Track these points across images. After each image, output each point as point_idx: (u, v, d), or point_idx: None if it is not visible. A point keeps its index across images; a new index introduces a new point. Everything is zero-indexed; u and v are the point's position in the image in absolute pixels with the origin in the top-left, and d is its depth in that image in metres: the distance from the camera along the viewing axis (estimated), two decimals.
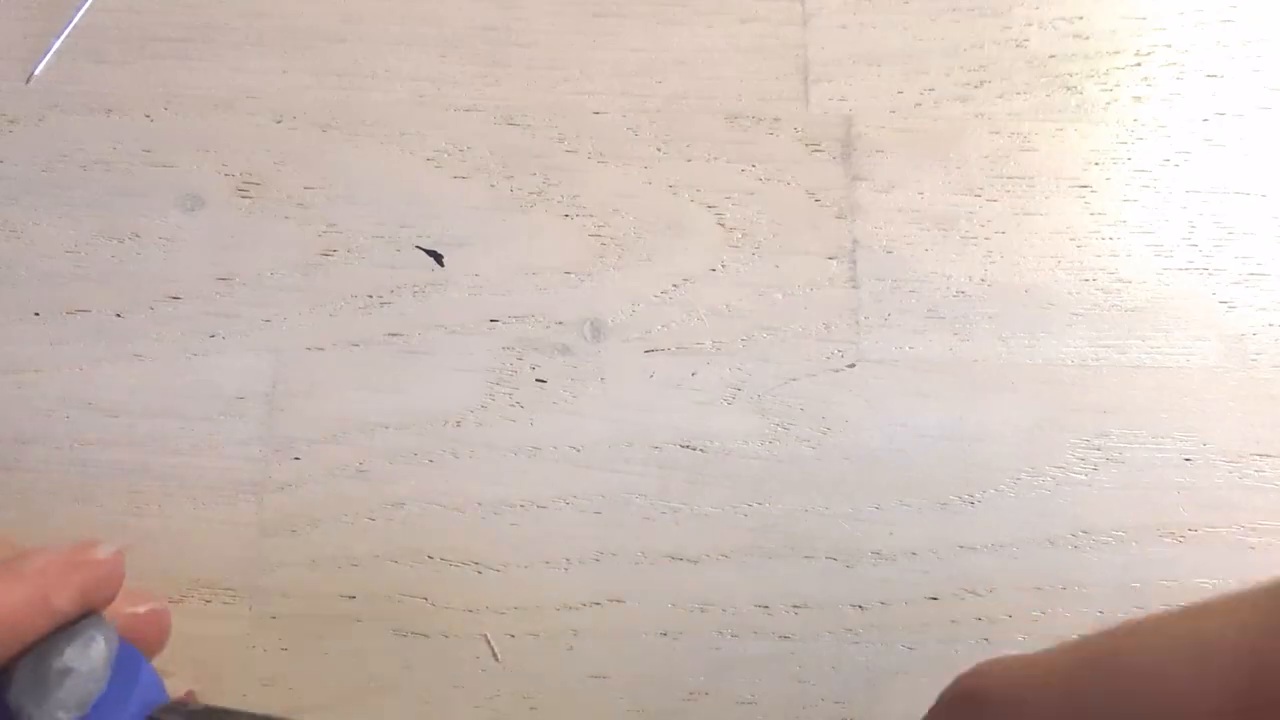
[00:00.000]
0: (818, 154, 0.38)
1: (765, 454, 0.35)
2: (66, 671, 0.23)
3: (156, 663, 0.26)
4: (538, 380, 0.35)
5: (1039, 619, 0.34)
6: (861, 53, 0.39)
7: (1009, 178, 0.38)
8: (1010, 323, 0.36)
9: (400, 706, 0.32)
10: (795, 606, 0.34)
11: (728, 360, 0.36)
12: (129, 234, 0.36)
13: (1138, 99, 0.39)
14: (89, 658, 0.24)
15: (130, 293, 0.35)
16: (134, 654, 0.25)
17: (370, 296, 0.36)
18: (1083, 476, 0.35)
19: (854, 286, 0.37)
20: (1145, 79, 0.39)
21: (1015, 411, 0.35)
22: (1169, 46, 0.40)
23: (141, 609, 0.27)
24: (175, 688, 0.28)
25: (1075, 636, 0.33)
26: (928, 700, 0.33)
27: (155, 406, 0.34)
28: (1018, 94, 0.39)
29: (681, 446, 0.35)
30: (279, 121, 0.37)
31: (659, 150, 0.38)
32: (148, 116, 0.37)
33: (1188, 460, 0.36)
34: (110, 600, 0.26)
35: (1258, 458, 0.36)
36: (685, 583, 0.34)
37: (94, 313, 0.35)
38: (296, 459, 0.34)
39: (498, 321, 0.36)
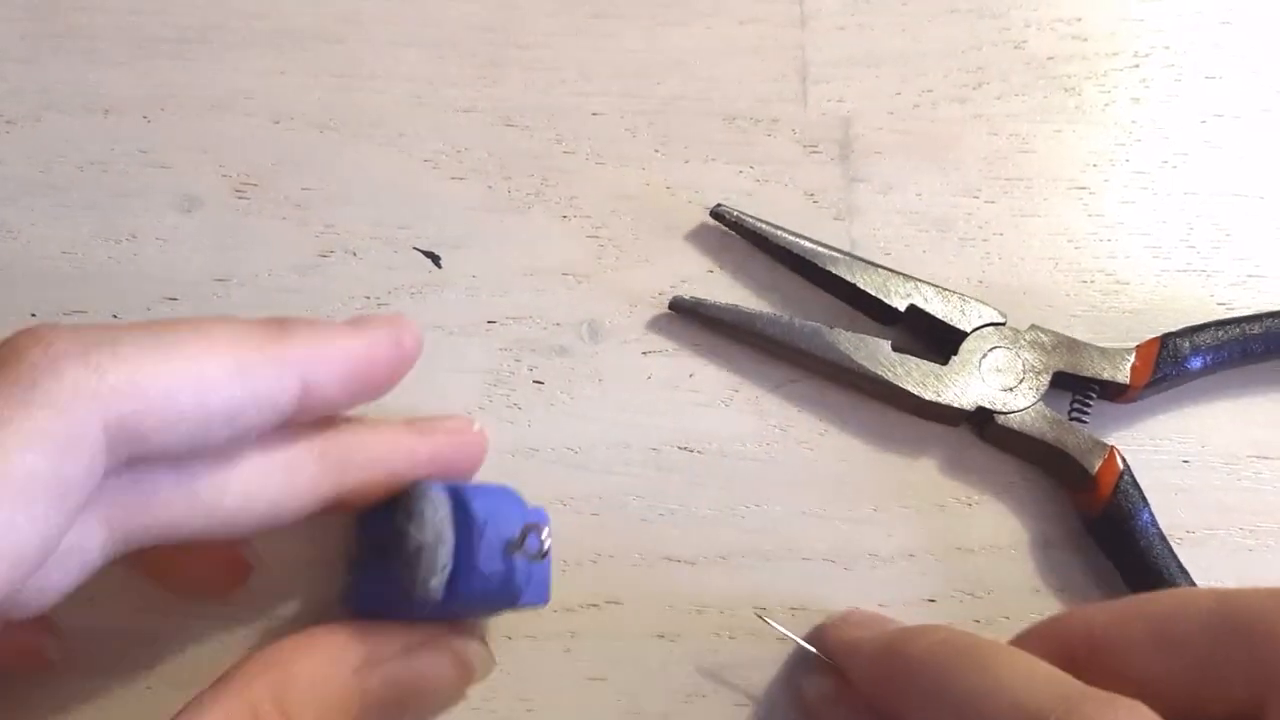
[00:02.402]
0: (816, 155, 0.38)
1: (763, 455, 0.35)
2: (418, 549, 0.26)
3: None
4: (535, 381, 0.35)
5: (1038, 621, 0.34)
6: (859, 54, 0.39)
7: (1007, 179, 0.38)
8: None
9: None
10: (793, 608, 0.34)
11: (725, 362, 0.36)
12: (126, 235, 0.36)
13: (1136, 101, 0.39)
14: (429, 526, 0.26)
15: (127, 293, 0.35)
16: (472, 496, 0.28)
17: (368, 297, 0.36)
18: None
19: None
20: (1143, 81, 0.39)
21: None
22: (1167, 48, 0.40)
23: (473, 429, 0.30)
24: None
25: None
26: None
27: None
28: (1016, 95, 0.39)
29: (679, 448, 0.35)
30: (276, 122, 0.37)
31: (657, 151, 0.38)
32: (145, 117, 0.37)
33: (1185, 462, 0.36)
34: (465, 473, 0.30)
35: (1255, 460, 0.36)
36: (683, 585, 0.34)
37: (91, 313, 0.35)
38: None
39: (495, 323, 0.36)
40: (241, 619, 0.33)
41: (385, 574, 0.27)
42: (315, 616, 0.33)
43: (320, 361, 0.26)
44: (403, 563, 0.26)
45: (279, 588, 0.33)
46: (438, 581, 0.26)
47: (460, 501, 0.27)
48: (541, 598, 0.29)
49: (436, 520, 0.26)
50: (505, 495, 0.28)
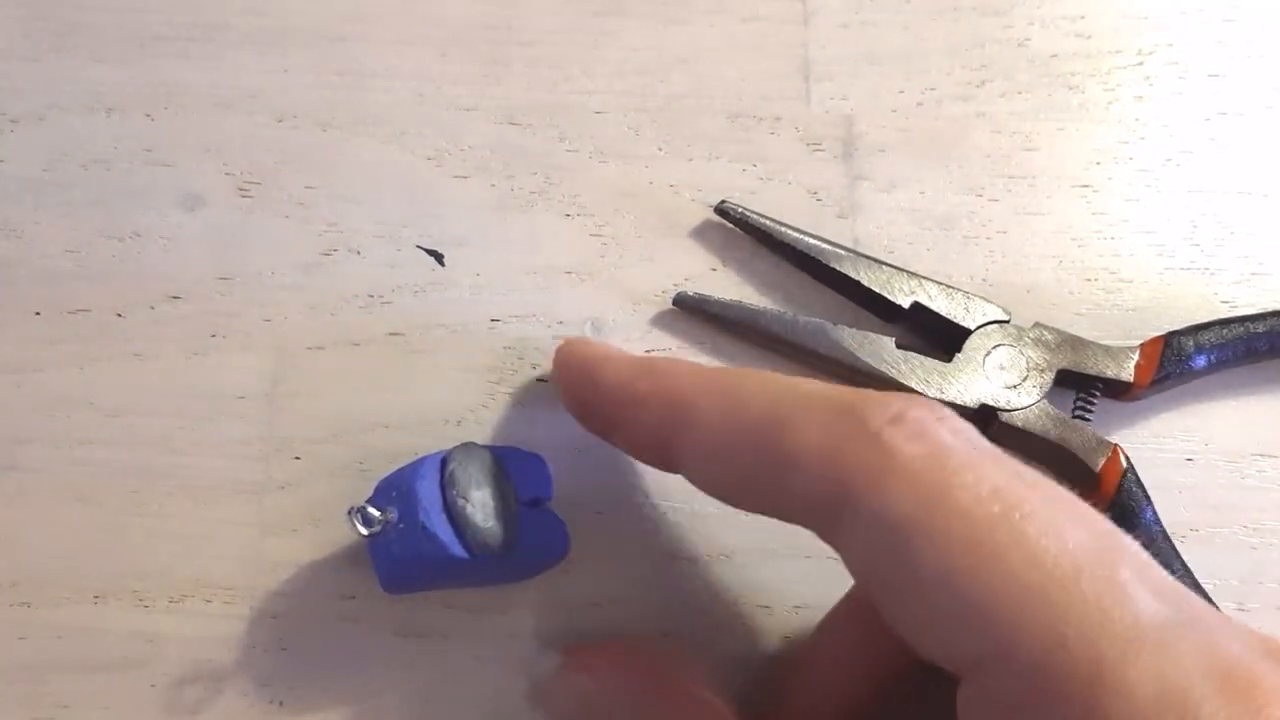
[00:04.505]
0: (819, 153, 0.38)
1: None
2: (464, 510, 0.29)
3: None
4: (539, 380, 0.35)
5: None
6: (863, 52, 0.39)
7: (1010, 177, 0.38)
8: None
9: (400, 707, 0.32)
10: (796, 607, 0.34)
11: (729, 359, 0.36)
12: (129, 233, 0.36)
13: (1140, 98, 0.39)
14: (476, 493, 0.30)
15: (130, 292, 0.35)
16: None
17: (371, 296, 0.36)
18: None
19: None
20: (1147, 78, 0.39)
21: None
22: (1171, 46, 0.40)
23: None
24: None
25: None
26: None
27: (155, 406, 0.34)
28: (1019, 93, 0.39)
29: None
30: (280, 120, 0.37)
31: (660, 150, 0.38)
32: (148, 116, 0.37)
33: (1189, 461, 0.36)
34: None
35: (1259, 458, 0.36)
36: (686, 583, 0.34)
37: (94, 312, 0.35)
38: (296, 459, 0.34)
39: (499, 321, 0.36)
40: (242, 618, 0.33)
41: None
42: (316, 615, 0.33)
43: None
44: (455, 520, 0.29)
45: (279, 587, 0.33)
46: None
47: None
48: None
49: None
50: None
